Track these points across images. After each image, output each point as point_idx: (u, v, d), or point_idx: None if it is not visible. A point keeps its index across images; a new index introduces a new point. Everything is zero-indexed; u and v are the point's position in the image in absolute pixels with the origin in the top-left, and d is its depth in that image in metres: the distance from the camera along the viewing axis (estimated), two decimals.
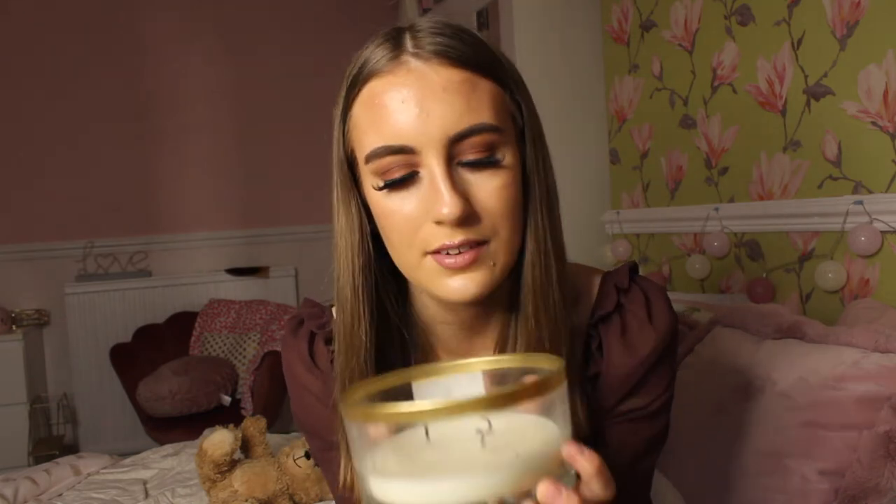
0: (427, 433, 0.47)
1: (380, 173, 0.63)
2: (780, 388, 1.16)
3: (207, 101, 3.72)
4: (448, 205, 0.60)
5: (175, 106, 3.67)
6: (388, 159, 0.62)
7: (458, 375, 0.52)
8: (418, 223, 0.63)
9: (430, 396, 0.51)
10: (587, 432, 0.68)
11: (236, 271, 3.68)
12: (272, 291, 3.71)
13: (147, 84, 3.62)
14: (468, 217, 0.62)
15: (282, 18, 3.79)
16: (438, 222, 0.62)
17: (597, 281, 0.76)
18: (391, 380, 0.51)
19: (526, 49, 2.36)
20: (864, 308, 1.41)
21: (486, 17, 2.53)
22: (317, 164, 3.74)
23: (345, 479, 0.71)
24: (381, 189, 0.64)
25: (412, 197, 0.63)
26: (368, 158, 0.63)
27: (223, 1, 3.72)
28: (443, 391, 0.51)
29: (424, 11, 3.01)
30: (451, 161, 0.62)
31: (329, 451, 0.76)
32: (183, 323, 3.43)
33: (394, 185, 0.63)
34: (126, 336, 3.38)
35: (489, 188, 0.63)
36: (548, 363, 0.47)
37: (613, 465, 0.64)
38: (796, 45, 1.68)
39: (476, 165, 0.62)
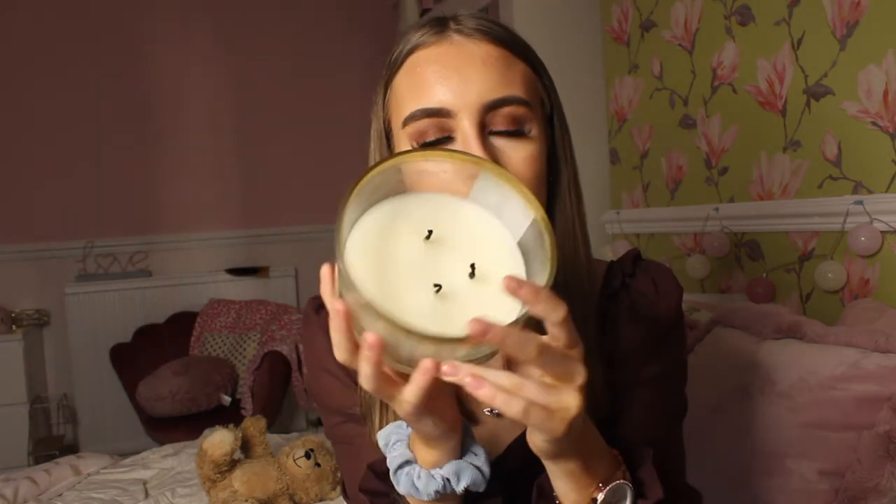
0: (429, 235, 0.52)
1: (415, 136, 0.66)
2: (780, 388, 1.16)
3: (207, 101, 3.72)
4: None
5: (175, 106, 3.67)
6: (425, 122, 0.65)
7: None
8: None
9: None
10: (609, 411, 0.70)
11: (236, 271, 3.68)
12: (272, 291, 3.71)
13: (147, 84, 3.62)
14: None
15: (282, 18, 3.79)
16: None
17: (603, 268, 0.79)
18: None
19: None
20: (864, 308, 1.41)
21: None
22: (317, 164, 3.74)
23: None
24: None
25: None
26: (406, 122, 0.66)
27: (224, 1, 3.73)
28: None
29: (424, 11, 3.00)
30: (484, 129, 0.65)
31: (345, 423, 0.77)
32: (183, 323, 3.43)
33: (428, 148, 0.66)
34: (126, 336, 3.38)
35: (518, 157, 0.66)
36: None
37: (637, 438, 0.65)
38: (796, 45, 1.68)
39: (506, 135, 0.66)
